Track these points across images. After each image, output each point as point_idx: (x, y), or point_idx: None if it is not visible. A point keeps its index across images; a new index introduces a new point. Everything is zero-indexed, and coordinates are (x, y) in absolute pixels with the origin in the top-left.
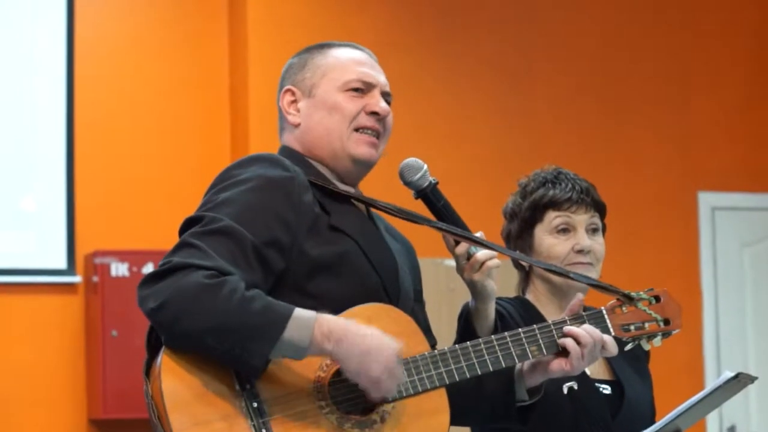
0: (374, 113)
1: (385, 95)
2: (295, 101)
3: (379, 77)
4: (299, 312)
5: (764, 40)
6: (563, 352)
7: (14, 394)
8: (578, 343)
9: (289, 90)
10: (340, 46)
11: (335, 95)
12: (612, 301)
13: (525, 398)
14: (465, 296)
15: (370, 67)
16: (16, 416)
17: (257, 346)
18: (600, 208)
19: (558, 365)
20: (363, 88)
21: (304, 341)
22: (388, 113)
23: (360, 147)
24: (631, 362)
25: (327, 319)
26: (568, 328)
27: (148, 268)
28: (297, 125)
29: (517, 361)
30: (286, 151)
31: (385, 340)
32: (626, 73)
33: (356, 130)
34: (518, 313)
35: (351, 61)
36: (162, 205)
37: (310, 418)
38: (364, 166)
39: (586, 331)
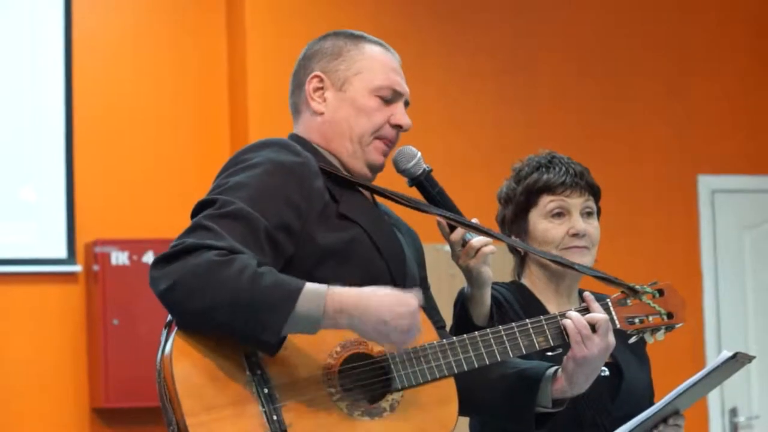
0: (398, 126)
1: (406, 103)
2: (322, 89)
3: (405, 87)
4: (310, 285)
5: (763, 23)
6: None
7: (16, 383)
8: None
9: (317, 76)
10: (373, 43)
11: (366, 98)
12: (616, 293)
13: (548, 405)
14: (464, 282)
15: (399, 74)
16: (19, 406)
17: (270, 320)
18: (594, 192)
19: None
20: (392, 98)
21: (317, 314)
22: (409, 128)
23: (375, 154)
24: (629, 345)
25: (339, 292)
26: (562, 322)
27: (149, 257)
28: (320, 113)
29: (524, 351)
30: (295, 138)
31: (398, 305)
32: (626, 58)
33: (377, 137)
34: (515, 299)
35: (385, 65)
36: (162, 194)
37: (321, 405)
38: (374, 171)
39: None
